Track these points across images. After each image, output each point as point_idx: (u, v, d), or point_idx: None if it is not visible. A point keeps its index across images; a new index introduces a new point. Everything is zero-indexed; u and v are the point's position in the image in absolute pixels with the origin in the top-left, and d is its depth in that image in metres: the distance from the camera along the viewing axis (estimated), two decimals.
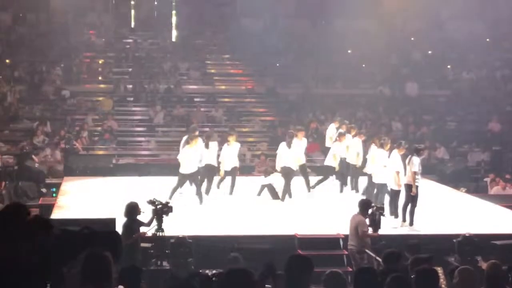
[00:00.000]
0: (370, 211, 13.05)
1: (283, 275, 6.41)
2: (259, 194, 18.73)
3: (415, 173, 15.44)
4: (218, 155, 18.71)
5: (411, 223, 15.42)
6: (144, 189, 17.97)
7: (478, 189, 22.43)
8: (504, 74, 32.16)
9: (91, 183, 20.76)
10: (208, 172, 18.43)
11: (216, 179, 18.84)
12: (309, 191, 18.97)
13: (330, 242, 14.32)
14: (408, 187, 15.47)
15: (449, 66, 32.64)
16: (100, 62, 31.52)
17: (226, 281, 5.44)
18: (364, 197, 15.42)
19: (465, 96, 30.58)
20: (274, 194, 18.50)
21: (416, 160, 15.55)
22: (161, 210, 12.77)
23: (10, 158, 22.65)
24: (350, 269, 12.93)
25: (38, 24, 32.71)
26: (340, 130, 19.66)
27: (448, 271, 9.77)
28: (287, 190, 18.19)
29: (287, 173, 18.15)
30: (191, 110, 28.48)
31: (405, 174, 15.66)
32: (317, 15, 33.65)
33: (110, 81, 30.23)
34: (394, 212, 15.85)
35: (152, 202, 12.91)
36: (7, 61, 30.10)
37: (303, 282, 6.20)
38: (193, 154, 17.48)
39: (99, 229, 6.05)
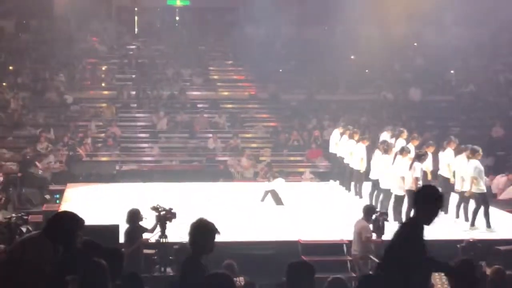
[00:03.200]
0: (374, 216, 13.05)
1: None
2: (262, 200, 18.73)
3: (417, 178, 15.46)
4: None
5: None
6: (148, 196, 17.97)
7: None
8: (507, 79, 32.15)
9: (95, 189, 20.78)
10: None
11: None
12: None
13: (334, 248, 14.30)
14: (411, 193, 15.46)
15: (452, 72, 32.64)
16: (103, 68, 31.55)
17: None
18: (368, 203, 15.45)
19: (468, 101, 30.59)
20: (278, 200, 18.50)
21: (418, 166, 15.58)
22: (165, 217, 12.76)
23: (14, 165, 22.68)
24: (354, 275, 12.93)
25: (41, 31, 32.75)
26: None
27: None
28: None
29: None
30: (194, 116, 28.48)
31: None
32: (320, 22, 33.67)
33: (113, 88, 30.25)
34: (398, 218, 15.84)
35: (155, 209, 12.90)
36: (11, 68, 30.15)
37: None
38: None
39: (103, 245, 6.20)
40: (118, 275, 6.33)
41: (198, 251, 6.19)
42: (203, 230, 6.31)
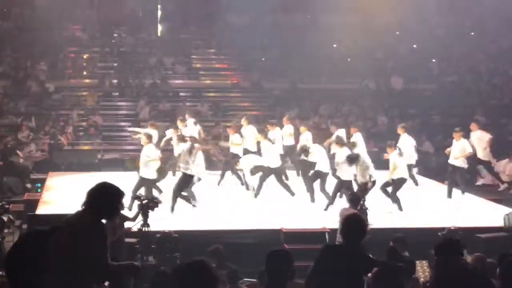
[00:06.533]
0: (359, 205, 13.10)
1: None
2: (248, 188, 18.73)
3: None
4: None
5: None
6: (130, 184, 17.89)
7: None
8: (489, 68, 32.29)
9: (76, 178, 20.68)
10: None
11: None
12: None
13: (316, 236, 14.33)
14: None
15: (434, 60, 32.74)
16: (85, 57, 31.39)
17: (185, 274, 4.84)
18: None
19: (450, 90, 30.71)
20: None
21: None
22: (147, 205, 12.74)
23: None
24: None
25: (23, 19, 32.51)
26: None
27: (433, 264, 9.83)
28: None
29: None
30: (176, 105, 28.43)
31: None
32: (302, 10, 33.65)
33: (95, 76, 30.13)
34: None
35: (137, 197, 12.88)
36: None
37: (283, 276, 6.18)
38: None
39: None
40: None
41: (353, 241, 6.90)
42: (358, 224, 7.02)
